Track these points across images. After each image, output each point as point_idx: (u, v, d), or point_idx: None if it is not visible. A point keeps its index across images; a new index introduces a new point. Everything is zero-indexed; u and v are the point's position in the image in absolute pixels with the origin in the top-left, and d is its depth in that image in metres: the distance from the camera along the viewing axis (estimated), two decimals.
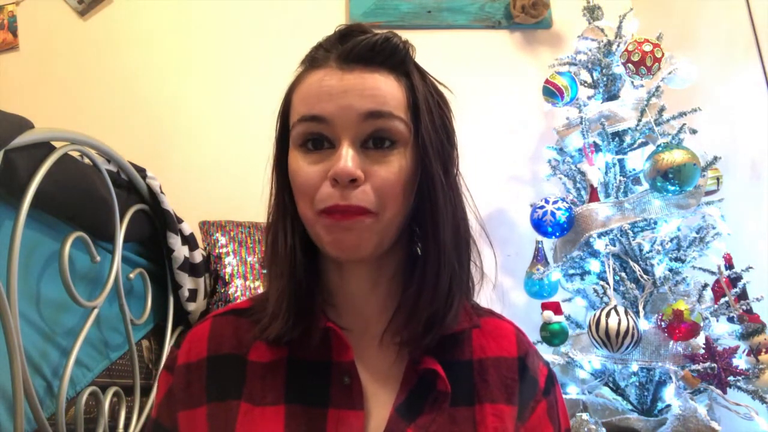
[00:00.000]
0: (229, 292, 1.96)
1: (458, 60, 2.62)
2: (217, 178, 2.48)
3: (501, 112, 2.58)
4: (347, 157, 0.69)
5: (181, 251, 1.72)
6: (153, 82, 2.62)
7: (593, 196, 1.89)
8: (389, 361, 0.78)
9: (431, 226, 0.75)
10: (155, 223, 1.72)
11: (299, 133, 0.74)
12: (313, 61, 0.77)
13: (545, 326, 1.85)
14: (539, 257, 2.06)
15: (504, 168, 2.53)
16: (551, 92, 2.10)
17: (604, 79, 2.08)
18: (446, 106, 0.82)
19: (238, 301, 1.77)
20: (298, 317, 0.75)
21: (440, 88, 0.84)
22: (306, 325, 0.75)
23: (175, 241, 1.70)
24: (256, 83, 2.54)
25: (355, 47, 0.73)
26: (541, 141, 2.45)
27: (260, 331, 0.77)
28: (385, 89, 0.73)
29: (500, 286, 2.39)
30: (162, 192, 1.69)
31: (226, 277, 1.99)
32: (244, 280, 1.99)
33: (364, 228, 0.72)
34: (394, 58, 0.75)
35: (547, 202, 1.89)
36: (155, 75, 2.63)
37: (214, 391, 0.76)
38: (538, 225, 1.90)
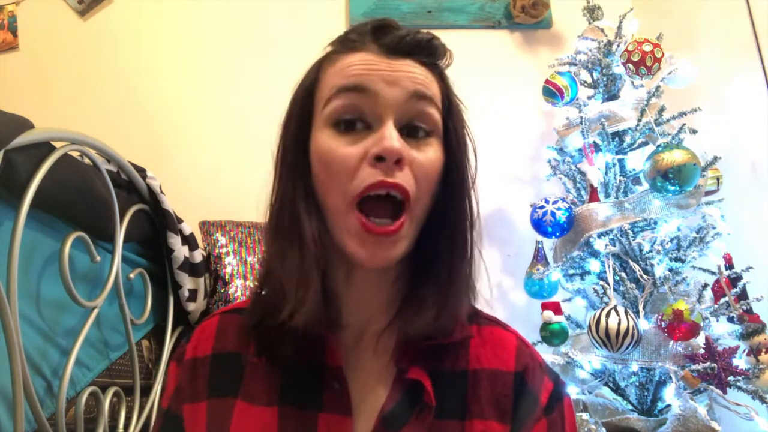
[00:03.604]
0: (229, 292, 1.96)
1: (458, 60, 2.58)
2: (217, 178, 2.48)
3: (501, 112, 2.58)
4: (393, 136, 0.68)
5: (181, 251, 1.71)
6: (153, 82, 2.62)
7: (593, 196, 1.88)
8: (380, 366, 0.76)
9: (453, 218, 0.75)
10: (155, 223, 1.71)
11: (337, 107, 0.72)
12: (350, 42, 0.76)
13: (545, 326, 1.85)
14: (539, 257, 2.05)
15: (504, 168, 2.53)
16: (551, 92, 2.09)
17: (604, 79, 2.08)
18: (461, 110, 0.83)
19: (239, 301, 1.77)
20: (322, 316, 0.72)
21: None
22: (324, 325, 0.73)
23: (175, 241, 1.69)
24: (256, 83, 2.55)
25: (401, 40, 0.73)
26: (541, 141, 2.46)
27: (289, 315, 0.70)
28: (429, 80, 0.74)
29: (500, 286, 2.41)
30: (162, 192, 1.69)
31: (226, 277, 1.99)
32: (244, 280, 1.99)
33: (399, 238, 0.71)
34: (434, 57, 0.77)
35: (547, 202, 1.89)
36: (155, 75, 2.63)
37: (214, 388, 0.76)
38: (538, 225, 1.90)
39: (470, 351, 0.78)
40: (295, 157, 0.76)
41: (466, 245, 0.77)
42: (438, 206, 0.75)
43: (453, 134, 0.76)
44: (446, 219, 0.75)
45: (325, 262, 0.74)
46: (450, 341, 0.76)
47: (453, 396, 0.74)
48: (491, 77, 2.61)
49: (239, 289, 1.98)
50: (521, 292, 2.10)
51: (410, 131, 0.72)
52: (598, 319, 1.62)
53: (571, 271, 1.97)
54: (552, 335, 1.84)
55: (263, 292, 0.78)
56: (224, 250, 2.05)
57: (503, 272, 2.41)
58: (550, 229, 1.87)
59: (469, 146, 0.80)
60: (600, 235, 1.85)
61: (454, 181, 0.75)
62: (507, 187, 2.50)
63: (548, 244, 2.09)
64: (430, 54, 0.76)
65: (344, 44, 0.77)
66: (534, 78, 2.42)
